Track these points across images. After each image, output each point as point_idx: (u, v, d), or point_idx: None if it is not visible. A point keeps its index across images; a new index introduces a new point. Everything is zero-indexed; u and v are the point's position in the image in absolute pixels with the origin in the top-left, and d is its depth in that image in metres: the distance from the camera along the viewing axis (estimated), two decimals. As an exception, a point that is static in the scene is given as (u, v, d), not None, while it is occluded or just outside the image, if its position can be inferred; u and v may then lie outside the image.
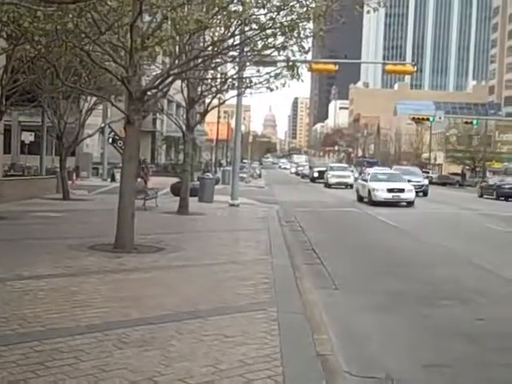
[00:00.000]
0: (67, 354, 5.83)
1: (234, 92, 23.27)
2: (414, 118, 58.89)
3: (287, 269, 11.37)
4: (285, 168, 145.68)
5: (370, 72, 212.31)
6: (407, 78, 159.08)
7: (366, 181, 34.27)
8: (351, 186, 48.64)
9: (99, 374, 5.36)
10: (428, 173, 67.16)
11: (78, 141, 29.02)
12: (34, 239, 13.76)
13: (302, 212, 26.58)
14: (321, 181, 57.94)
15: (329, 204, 32.79)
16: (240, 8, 12.62)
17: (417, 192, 35.94)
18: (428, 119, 57.35)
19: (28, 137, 40.54)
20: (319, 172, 62.83)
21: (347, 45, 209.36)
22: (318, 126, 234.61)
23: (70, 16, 11.13)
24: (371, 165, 73.90)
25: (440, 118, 55.54)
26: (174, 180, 30.68)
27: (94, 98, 27.18)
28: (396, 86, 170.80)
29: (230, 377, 5.45)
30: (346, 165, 67.85)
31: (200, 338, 6.57)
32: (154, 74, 16.16)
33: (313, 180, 64.52)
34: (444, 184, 70.02)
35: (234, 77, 20.14)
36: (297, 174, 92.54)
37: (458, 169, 79.28)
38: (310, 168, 75.37)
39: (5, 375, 5.24)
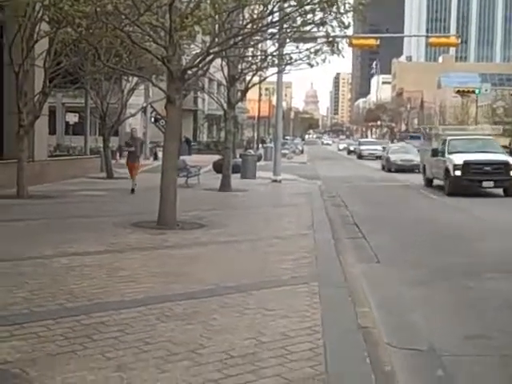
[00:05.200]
0: (112, 328, 5.96)
1: (275, 69, 23.16)
2: (458, 91, 58.09)
3: (329, 243, 11.38)
4: (327, 144, 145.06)
5: (413, 45, 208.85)
6: (452, 50, 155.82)
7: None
8: None
9: (143, 346, 5.47)
10: None
11: (121, 120, 29.35)
12: (79, 217, 14.03)
13: (345, 187, 26.48)
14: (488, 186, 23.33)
15: (372, 178, 32.61)
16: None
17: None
18: (474, 91, 56.40)
19: (72, 118, 41.21)
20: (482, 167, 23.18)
21: (389, 18, 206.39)
22: (360, 101, 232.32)
23: (109, -3, 11.23)
24: (414, 139, 72.72)
25: (486, 90, 54.79)
26: (217, 157, 30.86)
27: (136, 79, 27.42)
28: (440, 59, 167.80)
29: (271, 349, 5.51)
30: None
31: (242, 311, 6.65)
32: (194, 52, 16.19)
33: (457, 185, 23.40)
34: None
35: (274, 54, 20.05)
36: (359, 155, 61.30)
37: (505, 141, 77.68)
38: (435, 153, 25.81)
39: (53, 348, 5.40)
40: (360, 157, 59.53)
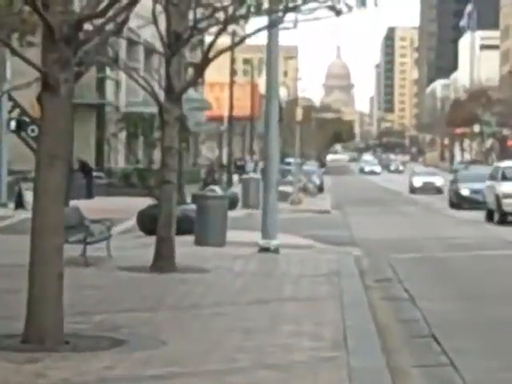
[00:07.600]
0: None
1: (264, 20, 23.39)
2: None
3: (380, 377, 11.38)
4: (372, 172, 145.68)
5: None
6: None
7: None
8: None
9: None
10: None
11: None
12: None
13: (407, 260, 26.69)
14: None
15: (457, 245, 32.92)
16: None
17: None
18: None
19: None
20: None
21: None
22: (438, 84, 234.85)
23: None
24: None
25: None
26: (146, 202, 30.95)
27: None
28: None
29: None
30: None
31: None
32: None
33: None
34: None
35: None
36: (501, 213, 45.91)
37: None
38: None
39: None
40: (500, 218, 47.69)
